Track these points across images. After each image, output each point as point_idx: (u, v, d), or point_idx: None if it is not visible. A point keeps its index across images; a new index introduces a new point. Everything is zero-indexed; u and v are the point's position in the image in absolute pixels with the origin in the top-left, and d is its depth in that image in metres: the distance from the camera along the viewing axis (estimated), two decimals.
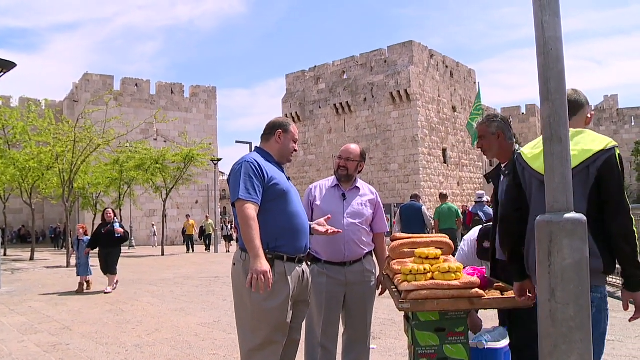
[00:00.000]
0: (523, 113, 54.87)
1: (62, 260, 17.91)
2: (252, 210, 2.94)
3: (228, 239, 28.18)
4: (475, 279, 2.78)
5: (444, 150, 43.27)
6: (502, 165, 3.48)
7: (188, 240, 27.86)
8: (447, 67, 44.67)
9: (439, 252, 2.99)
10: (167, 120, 23.29)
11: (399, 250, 3.34)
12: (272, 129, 3.31)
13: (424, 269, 2.81)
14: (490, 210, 11.44)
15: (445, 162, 43.29)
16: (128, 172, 25.25)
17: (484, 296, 2.72)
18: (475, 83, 47.92)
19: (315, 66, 46.82)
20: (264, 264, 2.83)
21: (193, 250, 26.79)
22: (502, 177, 3.48)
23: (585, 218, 2.00)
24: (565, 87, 2.02)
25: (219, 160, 27.73)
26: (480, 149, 3.56)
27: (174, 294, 9.88)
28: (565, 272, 1.94)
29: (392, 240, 3.58)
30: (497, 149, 3.45)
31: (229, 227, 28.86)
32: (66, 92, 45.67)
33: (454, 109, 44.93)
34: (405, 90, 39.88)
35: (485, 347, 3.65)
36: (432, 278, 2.81)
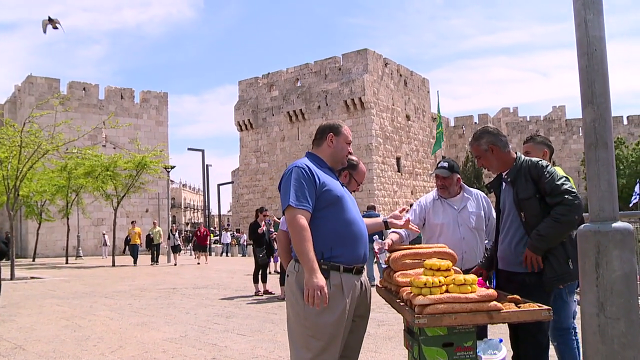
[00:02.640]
0: (476, 122, 56.21)
1: (6, 272, 16.97)
2: (303, 219, 2.78)
3: (176, 249, 24.54)
4: (492, 291, 2.66)
5: (398, 159, 43.76)
6: (504, 174, 3.40)
7: (132, 251, 24.12)
8: (401, 75, 45.28)
9: (449, 263, 2.86)
10: (120, 126, 22.56)
11: (401, 261, 3.19)
12: (323, 133, 3.16)
13: (439, 282, 2.66)
14: None
15: (399, 171, 43.77)
16: (76, 179, 24.30)
17: (502, 309, 2.60)
18: (428, 92, 48.75)
19: (269, 73, 46.62)
20: (320, 278, 2.69)
21: (135, 263, 23.33)
22: (504, 184, 3.39)
23: (632, 227, 1.90)
24: (609, 90, 1.91)
25: (172, 167, 27.04)
26: (482, 167, 3.47)
27: (133, 307, 9.44)
28: (615, 285, 1.84)
29: (391, 251, 3.43)
30: (496, 163, 3.38)
31: (176, 235, 25.29)
32: (6, 94, 43.75)
33: (407, 117, 45.55)
34: (360, 99, 40.16)
35: (483, 359, 3.56)
36: (447, 291, 2.67)
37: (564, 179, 3.17)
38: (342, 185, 3.12)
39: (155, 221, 27.26)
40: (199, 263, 23.20)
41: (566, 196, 3.05)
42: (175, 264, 23.18)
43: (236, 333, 6.85)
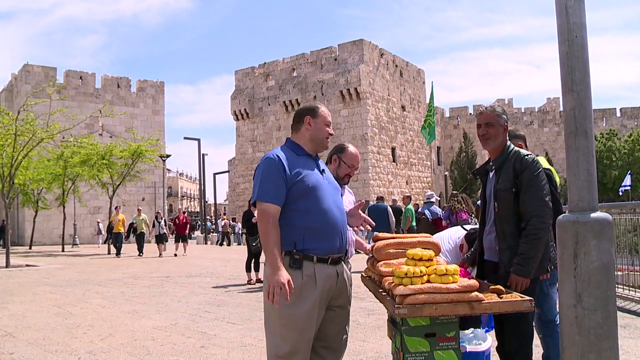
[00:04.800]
0: (470, 113, 56.15)
1: (1, 260, 16.95)
2: (270, 213, 2.74)
3: (160, 239, 21.21)
4: (474, 282, 2.63)
5: (393, 149, 43.71)
6: (491, 162, 3.37)
7: (115, 240, 21.50)
8: (396, 66, 45.11)
9: (432, 253, 2.84)
10: (115, 114, 22.43)
11: (385, 250, 3.16)
12: (301, 117, 3.04)
13: (420, 272, 2.64)
14: (437, 210, 11.47)
15: (394, 161, 43.73)
16: (72, 167, 24.22)
17: (484, 300, 2.58)
18: (424, 83, 48.62)
19: (265, 63, 46.43)
20: (282, 275, 2.63)
21: (119, 254, 20.94)
22: (491, 173, 3.37)
23: (611, 218, 1.87)
24: (589, 77, 1.88)
25: (168, 156, 26.93)
26: (482, 136, 3.36)
27: (125, 295, 9.43)
28: (593, 276, 1.81)
29: (375, 241, 3.40)
30: (500, 142, 3.31)
31: (161, 223, 21.45)
32: (3, 83, 43.52)
33: (403, 108, 45.44)
34: (355, 89, 40.03)
35: (467, 350, 3.55)
36: (428, 281, 2.65)
37: (545, 180, 3.12)
38: (322, 172, 3.00)
39: (140, 208, 24.35)
40: (175, 255, 20.55)
41: (540, 204, 3.04)
42: (160, 256, 20.51)
43: (226, 321, 6.85)
